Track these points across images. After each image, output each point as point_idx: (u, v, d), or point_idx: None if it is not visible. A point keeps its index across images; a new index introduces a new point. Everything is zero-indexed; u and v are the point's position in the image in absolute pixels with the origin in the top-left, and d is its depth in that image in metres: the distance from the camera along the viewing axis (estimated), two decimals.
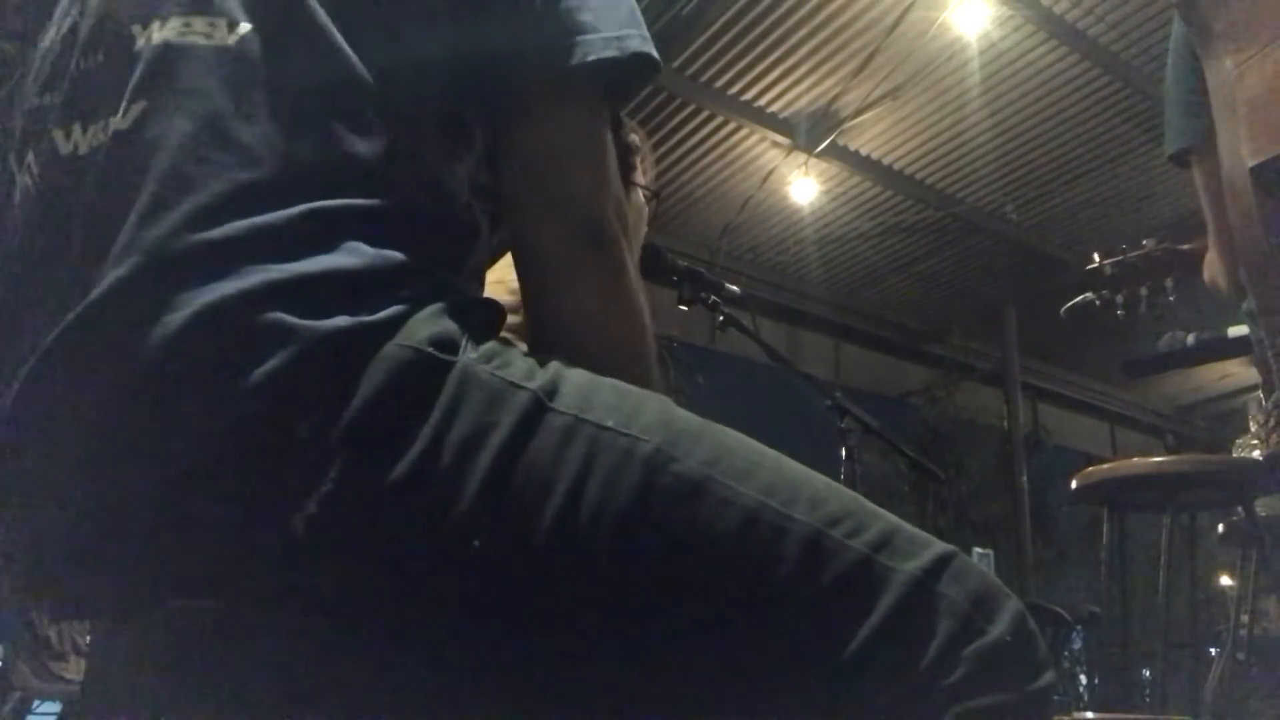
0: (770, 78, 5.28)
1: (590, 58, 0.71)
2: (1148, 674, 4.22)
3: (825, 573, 0.61)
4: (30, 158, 0.69)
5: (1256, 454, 2.63)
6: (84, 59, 0.69)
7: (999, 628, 0.61)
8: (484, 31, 0.71)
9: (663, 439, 0.62)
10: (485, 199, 0.75)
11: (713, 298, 2.00)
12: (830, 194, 6.18)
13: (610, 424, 0.62)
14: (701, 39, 4.97)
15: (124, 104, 0.65)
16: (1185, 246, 1.80)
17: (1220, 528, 2.89)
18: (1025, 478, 7.46)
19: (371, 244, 0.63)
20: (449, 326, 0.63)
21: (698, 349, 5.74)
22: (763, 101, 5.47)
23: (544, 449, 0.60)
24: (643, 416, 0.63)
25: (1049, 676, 0.61)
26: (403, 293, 0.62)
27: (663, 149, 5.57)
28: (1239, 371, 6.48)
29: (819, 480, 0.66)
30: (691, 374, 5.54)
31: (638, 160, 1.45)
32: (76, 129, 0.67)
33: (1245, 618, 2.62)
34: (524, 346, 0.69)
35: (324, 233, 0.62)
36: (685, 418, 0.66)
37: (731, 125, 5.62)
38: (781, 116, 5.59)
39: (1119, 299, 1.84)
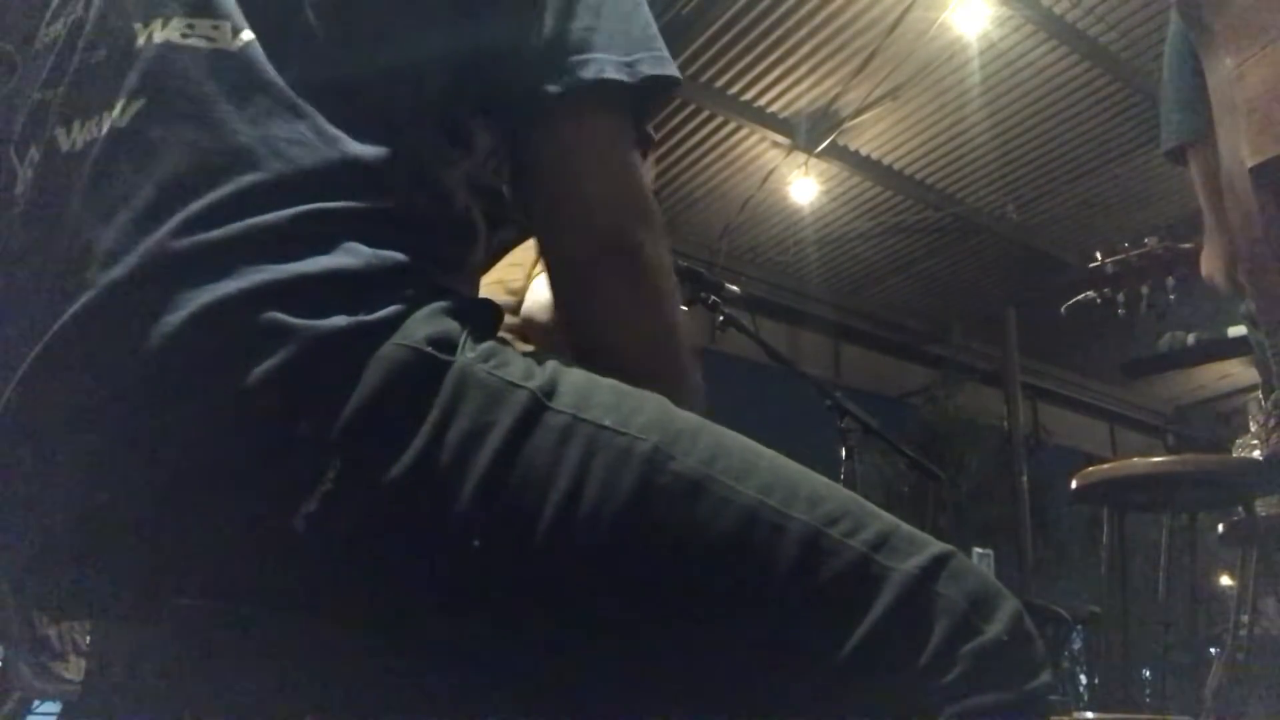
0: (770, 78, 5.29)
1: (603, 75, 0.72)
2: (1148, 674, 4.22)
3: (823, 571, 0.61)
4: (32, 152, 0.69)
5: (1256, 454, 2.63)
6: (86, 55, 0.69)
7: (996, 627, 0.61)
8: (490, 40, 0.72)
9: (661, 438, 0.62)
10: (485, 199, 0.75)
11: (713, 298, 2.01)
12: (830, 194, 6.19)
13: (608, 423, 0.62)
14: (701, 39, 4.98)
15: (122, 101, 0.65)
16: (1186, 245, 1.81)
17: (1220, 528, 2.89)
18: (1025, 478, 7.46)
19: (369, 244, 0.63)
20: (447, 326, 0.63)
21: (698, 349, 5.73)
22: (763, 101, 5.48)
23: (542, 448, 0.60)
24: (641, 416, 0.63)
25: (1046, 676, 0.61)
26: (401, 293, 0.62)
27: (663, 149, 5.58)
28: (1239, 371, 6.47)
29: (817, 480, 0.66)
30: None
31: None
32: (76, 125, 0.67)
33: (1245, 618, 2.62)
34: (523, 346, 0.69)
35: (322, 233, 0.62)
36: (683, 417, 0.66)
37: (731, 125, 5.62)
38: (781, 116, 5.59)
39: (1120, 297, 1.84)
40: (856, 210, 6.46)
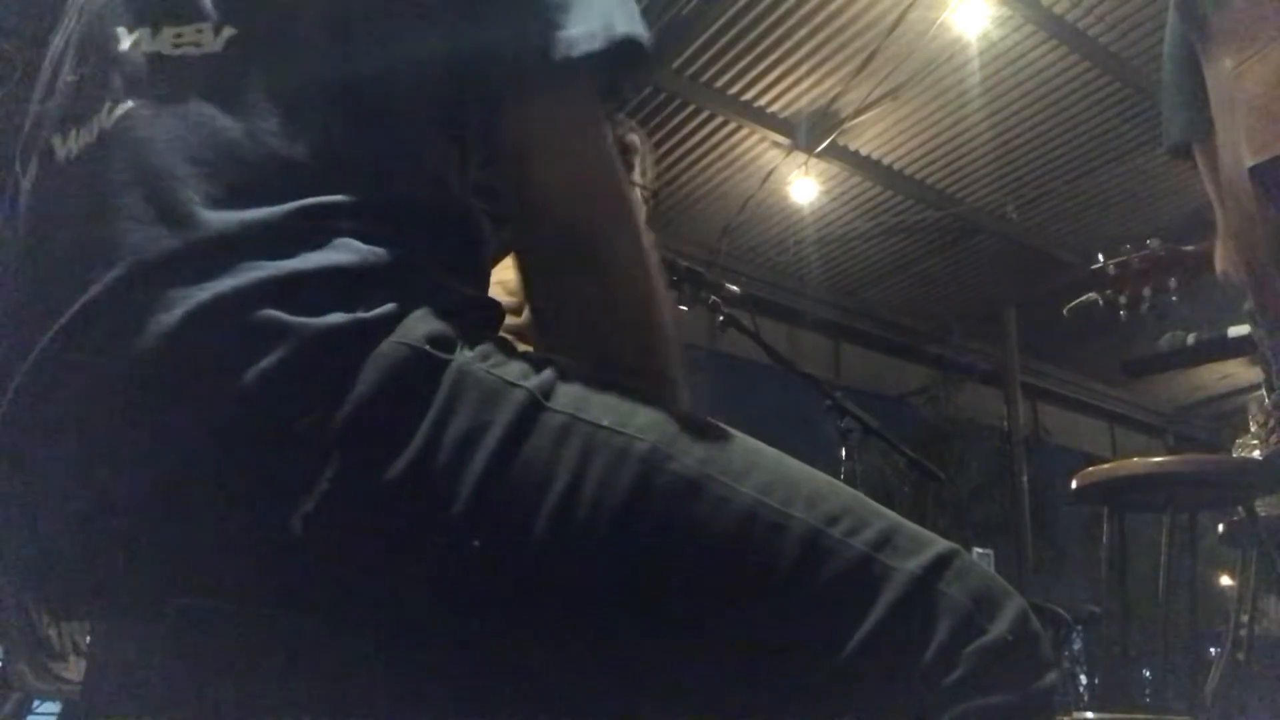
0: (770, 78, 5.28)
1: (574, 52, 0.68)
2: (1148, 674, 4.22)
3: (823, 571, 0.60)
4: (33, 163, 0.70)
5: (1256, 454, 2.63)
6: (77, 66, 0.70)
7: (1001, 627, 0.60)
8: (473, 31, 0.70)
9: (659, 437, 0.62)
10: (486, 198, 0.75)
11: (713, 298, 2.01)
12: (830, 194, 6.18)
13: (606, 423, 0.62)
14: (701, 39, 4.97)
15: (108, 103, 0.65)
16: (1189, 248, 1.80)
17: (1220, 528, 2.89)
18: (1025, 478, 7.46)
19: (365, 241, 0.62)
20: (446, 324, 0.62)
21: (698, 349, 5.74)
22: (763, 101, 5.47)
23: (540, 447, 0.60)
24: (639, 415, 0.63)
25: (1052, 676, 0.61)
26: (398, 290, 0.62)
27: (663, 149, 5.58)
28: (1239, 371, 6.47)
29: (820, 478, 0.66)
30: (692, 374, 5.54)
31: (636, 160, 1.45)
32: (72, 134, 0.67)
33: (1245, 618, 2.62)
34: (523, 347, 0.69)
35: (317, 230, 0.61)
36: (684, 417, 0.66)
37: (731, 125, 5.62)
38: (781, 116, 5.59)
39: (1122, 299, 1.84)
40: (856, 210, 6.46)
